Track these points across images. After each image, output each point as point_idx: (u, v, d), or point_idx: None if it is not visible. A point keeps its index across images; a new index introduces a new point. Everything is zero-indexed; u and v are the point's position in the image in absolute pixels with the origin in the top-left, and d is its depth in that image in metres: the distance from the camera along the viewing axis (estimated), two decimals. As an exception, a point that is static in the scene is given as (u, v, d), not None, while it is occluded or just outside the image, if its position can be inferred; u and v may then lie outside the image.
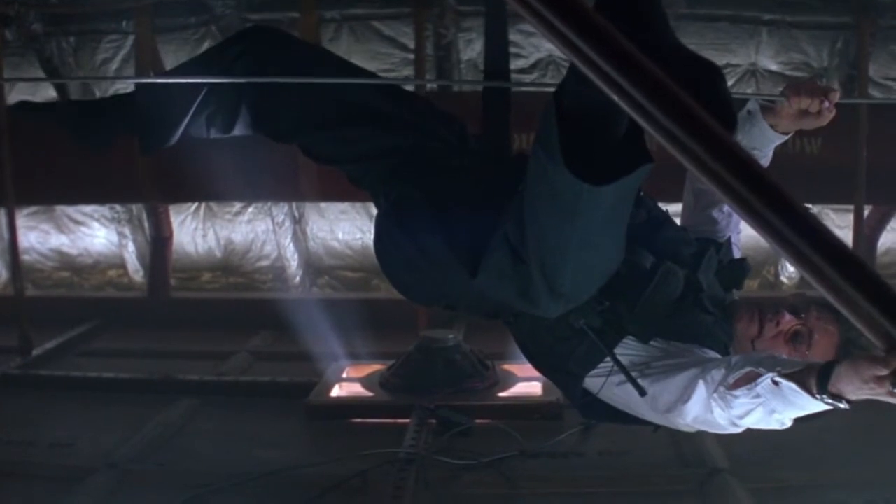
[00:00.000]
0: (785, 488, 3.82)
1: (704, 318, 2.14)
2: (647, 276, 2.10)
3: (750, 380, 1.79)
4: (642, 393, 2.02)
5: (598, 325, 2.09)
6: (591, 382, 2.15)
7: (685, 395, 1.92)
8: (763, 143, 2.24)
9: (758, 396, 1.77)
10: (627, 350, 2.09)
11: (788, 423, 1.83)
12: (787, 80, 6.14)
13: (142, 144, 2.60)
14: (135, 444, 4.28)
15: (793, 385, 1.69)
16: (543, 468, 4.06)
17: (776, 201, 0.75)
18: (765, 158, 2.27)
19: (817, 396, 1.65)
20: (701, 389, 1.89)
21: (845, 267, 0.75)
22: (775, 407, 1.77)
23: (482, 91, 2.48)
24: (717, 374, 1.87)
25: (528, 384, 4.86)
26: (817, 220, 0.77)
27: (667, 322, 2.10)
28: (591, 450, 4.23)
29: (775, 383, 1.73)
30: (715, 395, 1.85)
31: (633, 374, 2.04)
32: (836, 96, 2.10)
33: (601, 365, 2.11)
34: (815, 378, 1.65)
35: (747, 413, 1.82)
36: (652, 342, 2.09)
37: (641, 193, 2.24)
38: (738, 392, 1.80)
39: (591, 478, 3.98)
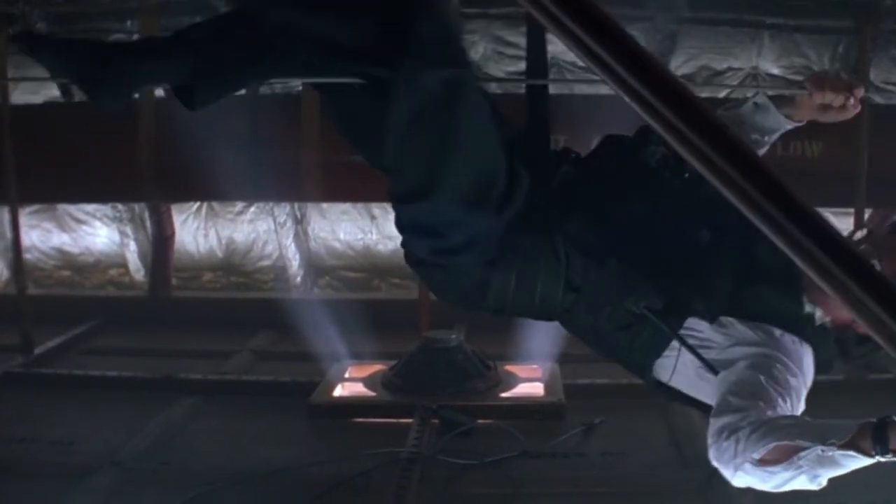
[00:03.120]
0: (786, 490, 3.83)
1: (766, 290, 2.07)
2: (706, 251, 2.05)
3: (787, 454, 1.72)
4: (715, 371, 1.97)
5: (660, 308, 2.03)
6: (660, 369, 2.10)
7: (716, 430, 1.86)
8: (773, 130, 2.21)
9: (800, 468, 1.72)
10: (692, 333, 2.04)
11: (825, 483, 1.77)
12: (788, 85, 6.17)
13: (194, 97, 2.16)
14: (137, 442, 4.29)
15: (849, 452, 1.65)
16: (545, 468, 4.08)
17: (782, 200, 0.76)
18: (765, 146, 2.25)
19: (878, 457, 1.63)
20: (728, 447, 1.81)
21: (852, 266, 0.76)
22: (820, 472, 1.72)
23: (525, 90, 2.40)
24: (743, 436, 1.79)
25: (530, 384, 4.88)
26: (823, 218, 0.78)
27: (729, 297, 2.04)
28: (593, 450, 4.25)
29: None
30: (745, 465, 1.79)
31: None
32: (861, 91, 2.06)
33: (667, 352, 2.06)
34: (869, 438, 1.63)
35: (786, 483, 1.77)
36: (717, 325, 2.03)
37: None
38: (775, 468, 1.75)
39: (593, 478, 4.00)
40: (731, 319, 2.04)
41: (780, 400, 1.88)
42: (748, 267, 2.07)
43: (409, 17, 1.97)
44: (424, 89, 1.94)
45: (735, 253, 2.06)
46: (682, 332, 2.03)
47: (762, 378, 1.91)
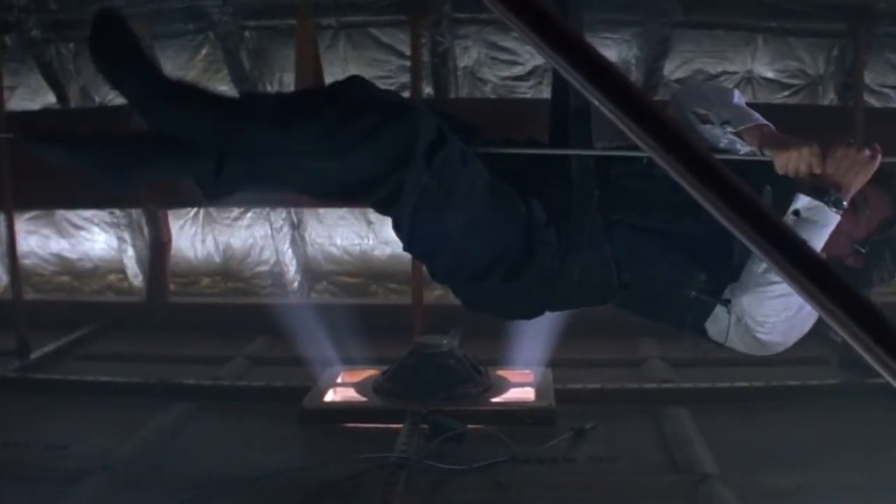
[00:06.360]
0: (775, 494, 3.82)
1: None
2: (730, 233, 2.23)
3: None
4: None
5: (708, 290, 2.30)
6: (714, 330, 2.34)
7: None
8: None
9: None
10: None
11: None
12: (783, 88, 6.17)
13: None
14: (130, 446, 4.31)
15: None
16: (534, 473, 4.07)
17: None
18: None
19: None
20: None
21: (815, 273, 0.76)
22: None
23: (551, 109, 2.37)
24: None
25: (521, 389, 4.88)
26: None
27: None
28: (582, 455, 4.24)
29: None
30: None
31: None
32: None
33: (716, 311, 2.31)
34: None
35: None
36: None
37: None
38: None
39: (582, 483, 3.99)
40: None
41: None
42: None
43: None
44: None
45: None
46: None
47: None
